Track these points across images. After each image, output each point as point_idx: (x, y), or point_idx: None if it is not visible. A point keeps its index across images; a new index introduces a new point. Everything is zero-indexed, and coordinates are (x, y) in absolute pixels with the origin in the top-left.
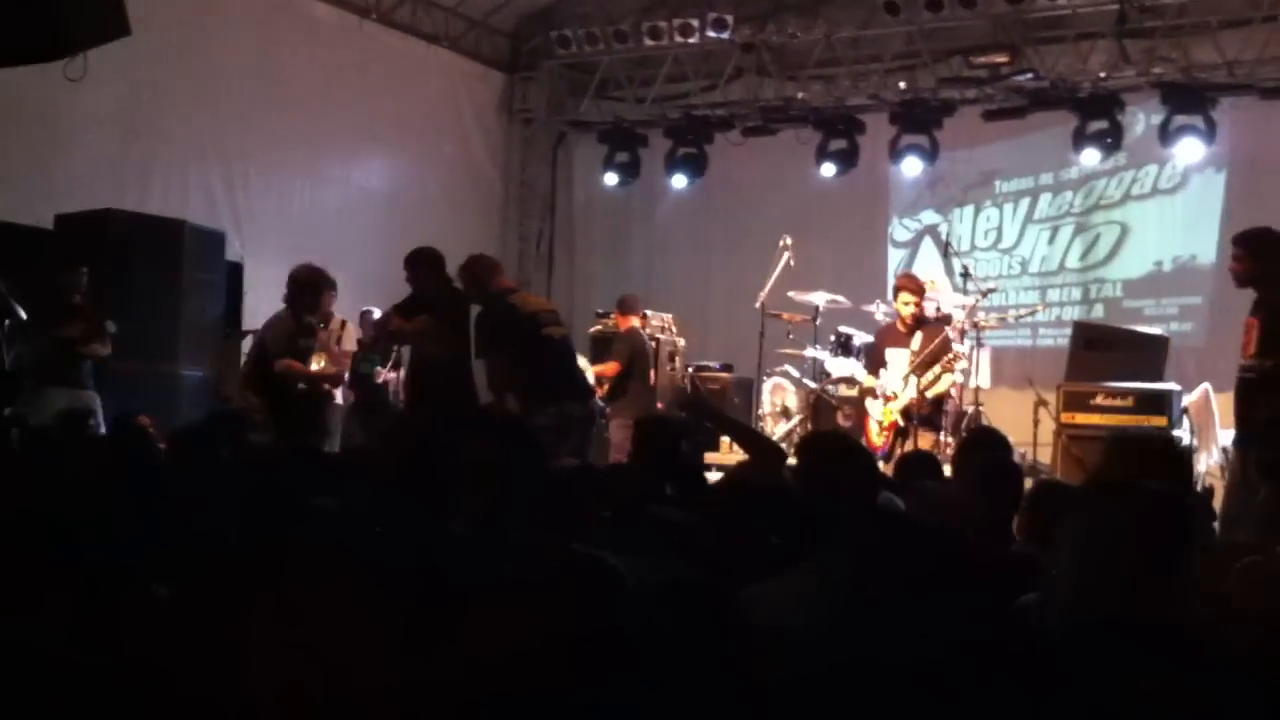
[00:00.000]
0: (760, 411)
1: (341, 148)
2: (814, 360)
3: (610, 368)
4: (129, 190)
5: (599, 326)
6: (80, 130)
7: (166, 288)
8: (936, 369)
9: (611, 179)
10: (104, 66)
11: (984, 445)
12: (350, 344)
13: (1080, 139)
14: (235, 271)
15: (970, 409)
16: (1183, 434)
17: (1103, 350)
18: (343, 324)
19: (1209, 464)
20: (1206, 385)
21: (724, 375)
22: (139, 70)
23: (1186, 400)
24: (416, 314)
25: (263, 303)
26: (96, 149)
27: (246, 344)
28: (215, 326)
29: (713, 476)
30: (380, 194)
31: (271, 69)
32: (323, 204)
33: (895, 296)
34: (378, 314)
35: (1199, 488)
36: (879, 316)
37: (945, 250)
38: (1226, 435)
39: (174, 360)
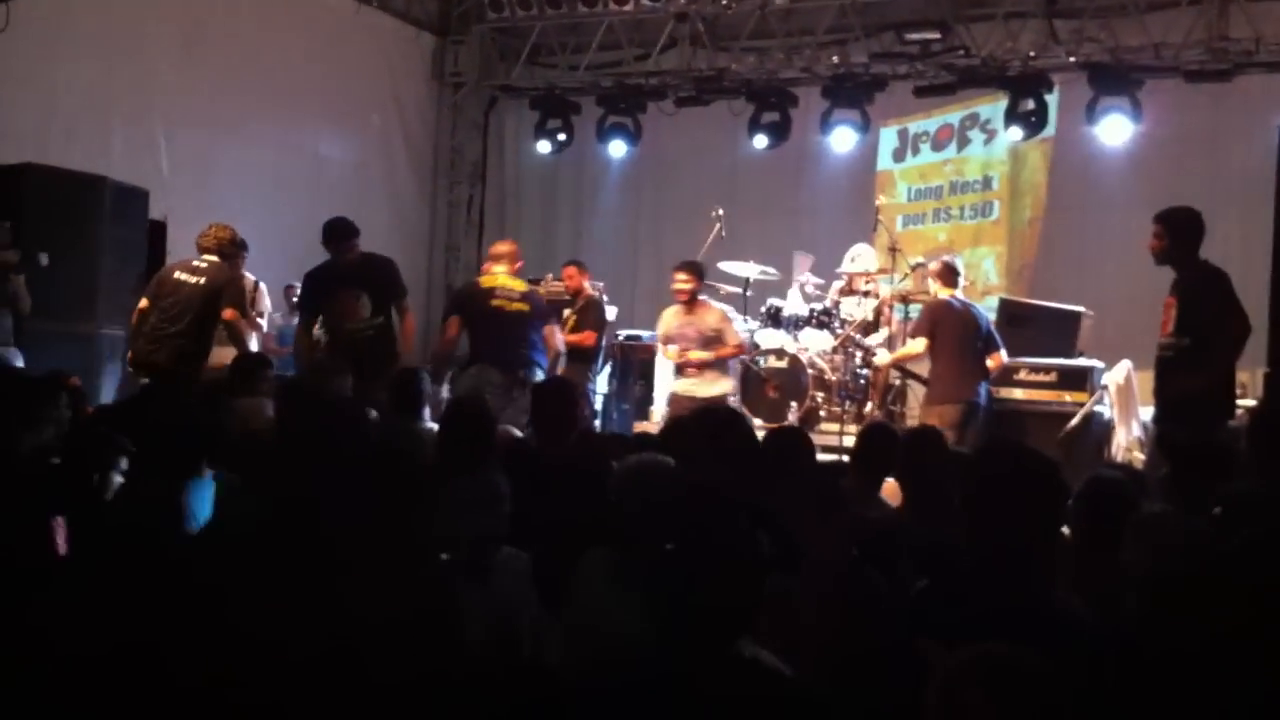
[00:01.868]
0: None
1: (268, 108)
2: (744, 332)
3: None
4: (52, 146)
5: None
6: (1, 83)
7: (86, 245)
8: None
9: (543, 146)
10: (27, 20)
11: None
12: (264, 305)
13: (1010, 115)
14: (159, 230)
15: (897, 381)
16: (1104, 410)
17: (1024, 326)
18: (255, 285)
19: (1128, 439)
20: (1128, 362)
21: (652, 345)
22: (63, 24)
23: (1107, 377)
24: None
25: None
26: (18, 103)
27: None
28: (136, 285)
29: None
30: (308, 156)
31: (197, 27)
32: (249, 164)
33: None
34: None
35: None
36: (809, 289)
37: (875, 224)
38: (1147, 412)
39: (92, 319)
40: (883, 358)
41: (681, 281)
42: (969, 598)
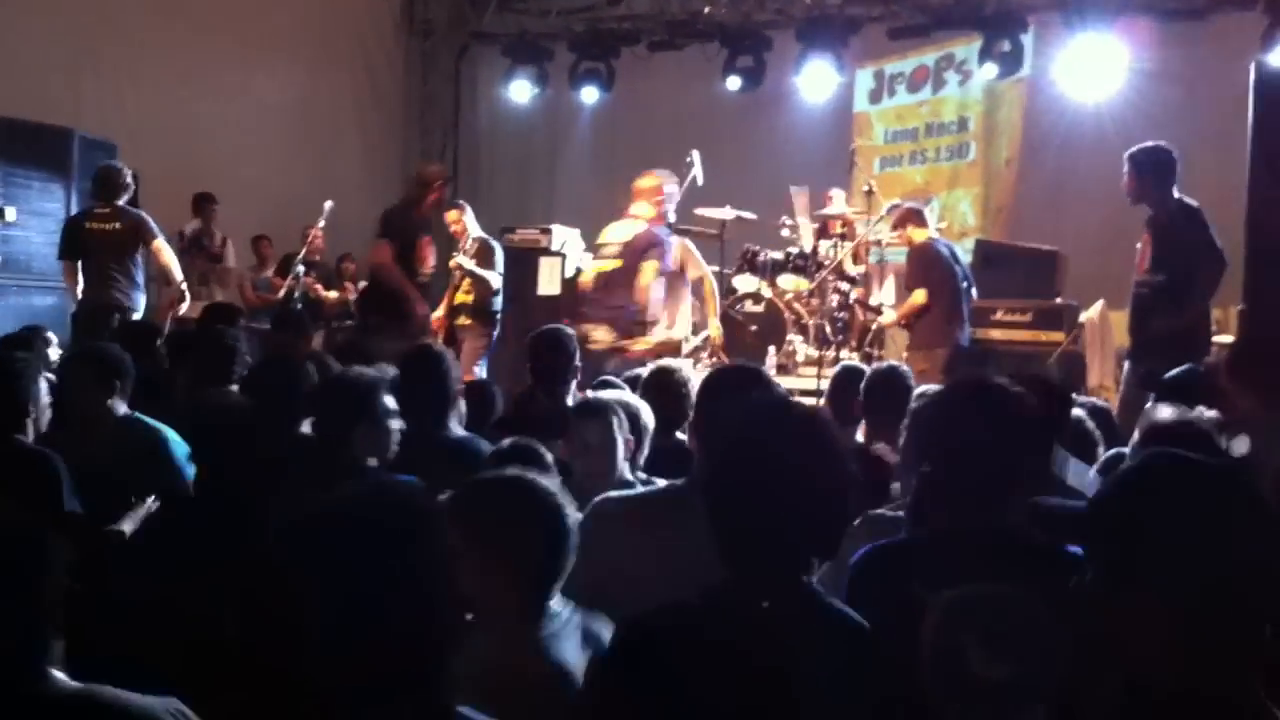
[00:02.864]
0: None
1: (236, 58)
2: (720, 276)
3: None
4: (19, 98)
5: (504, 242)
6: None
7: (54, 198)
8: None
9: (516, 93)
10: None
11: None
12: (231, 260)
13: (984, 56)
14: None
15: (875, 326)
16: (1079, 348)
17: (1001, 267)
18: (224, 240)
19: (1101, 378)
20: (1102, 301)
21: None
22: None
23: (1083, 316)
24: None
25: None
26: None
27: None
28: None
29: None
30: (276, 107)
31: None
32: (217, 115)
33: None
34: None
35: (1093, 402)
36: (784, 233)
37: (850, 165)
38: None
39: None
40: (889, 317)
41: None
42: (949, 536)
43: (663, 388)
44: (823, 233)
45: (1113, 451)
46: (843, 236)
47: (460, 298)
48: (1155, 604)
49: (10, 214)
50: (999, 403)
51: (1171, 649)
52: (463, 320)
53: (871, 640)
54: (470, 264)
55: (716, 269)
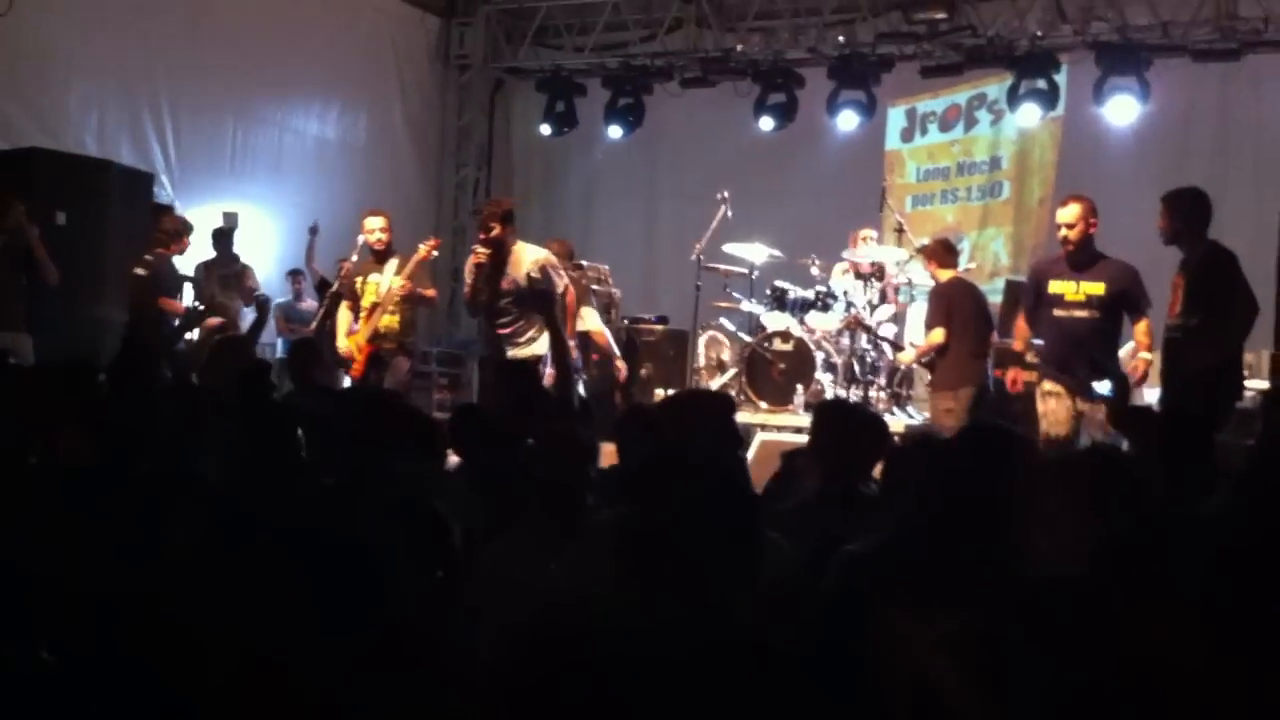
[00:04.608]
0: (696, 365)
1: (274, 90)
2: (750, 314)
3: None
4: (59, 130)
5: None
6: (6, 68)
7: (92, 229)
8: None
9: (549, 128)
10: (31, 2)
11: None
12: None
13: (1017, 97)
14: (166, 214)
15: (903, 365)
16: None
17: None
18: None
19: None
20: (1133, 343)
21: (659, 327)
22: (66, 8)
23: None
24: None
25: (195, 246)
26: (25, 88)
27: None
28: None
29: None
30: (313, 138)
31: (202, 10)
32: (254, 147)
33: None
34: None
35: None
36: (814, 271)
37: (881, 204)
38: (1153, 394)
39: (99, 303)
40: (908, 355)
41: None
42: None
43: None
44: (855, 272)
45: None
46: (874, 276)
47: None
48: None
49: (61, 217)
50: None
51: None
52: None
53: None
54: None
55: (748, 306)
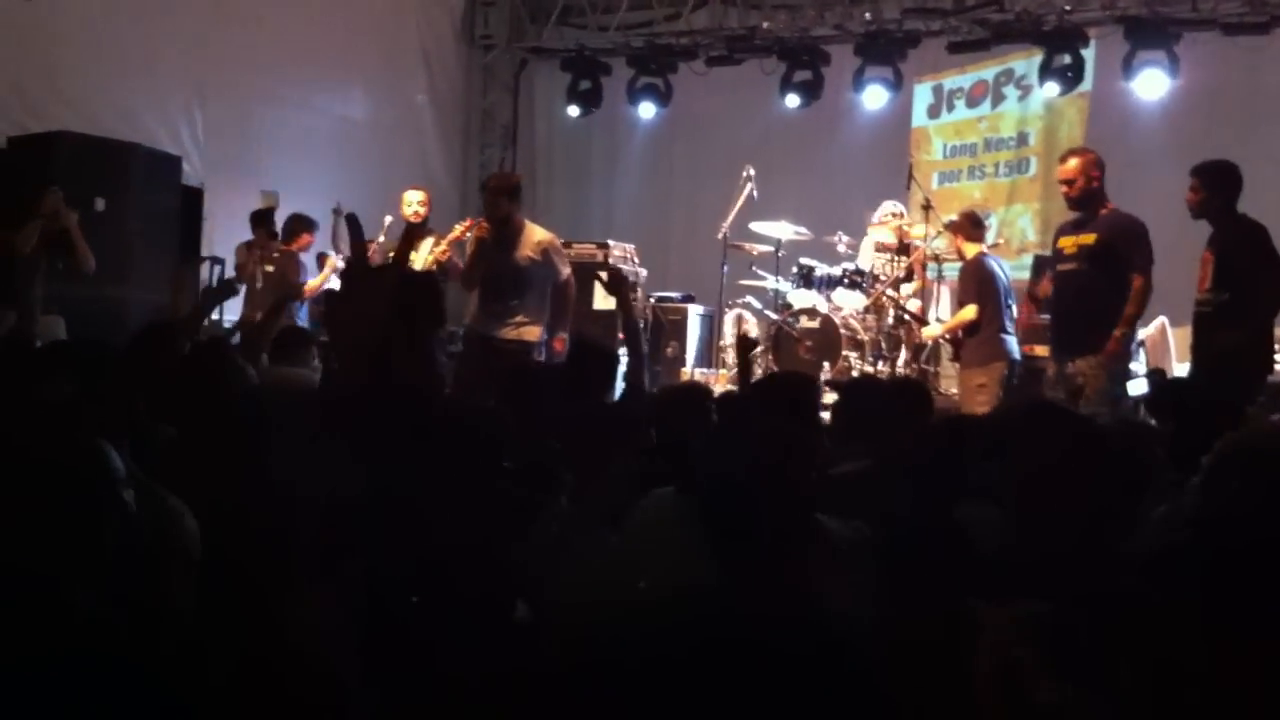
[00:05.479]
0: (722, 343)
1: (300, 72)
2: (776, 292)
3: None
4: (85, 112)
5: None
6: (34, 51)
7: (118, 212)
8: None
9: (574, 108)
10: None
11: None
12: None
13: (1045, 72)
14: (194, 197)
15: (929, 342)
16: (1139, 367)
17: None
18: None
19: None
20: (1163, 318)
21: (684, 306)
22: None
23: (1143, 333)
24: None
25: (223, 229)
26: (50, 70)
27: (205, 270)
28: (170, 252)
29: None
30: (338, 119)
31: None
32: (282, 129)
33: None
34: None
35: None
36: (840, 248)
37: (908, 181)
38: (1183, 369)
39: (125, 285)
40: (933, 329)
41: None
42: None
43: None
44: (881, 247)
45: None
46: (900, 251)
47: None
48: None
49: (100, 203)
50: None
51: None
52: None
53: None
54: None
55: (774, 284)
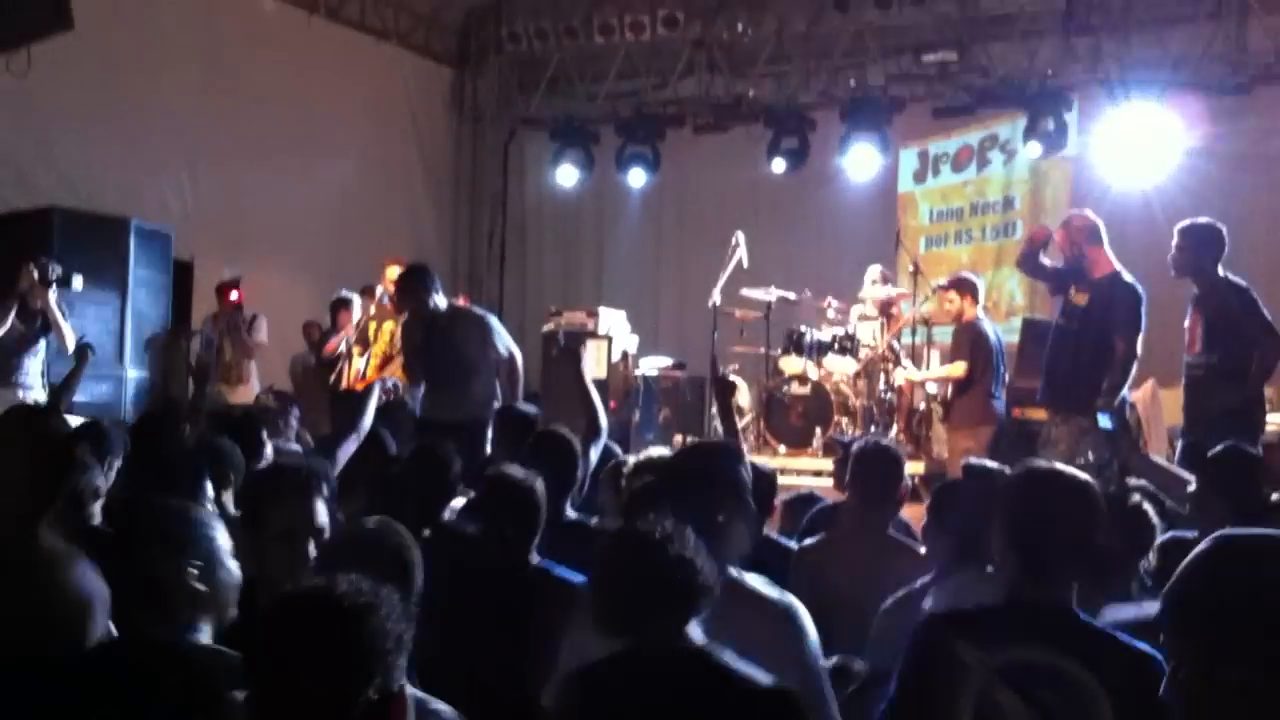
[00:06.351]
0: (713, 409)
1: (291, 144)
2: (767, 358)
3: None
4: (79, 188)
5: (550, 325)
6: (26, 126)
7: (111, 287)
8: None
9: (563, 176)
10: (49, 62)
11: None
12: (264, 335)
13: (1029, 134)
14: (185, 270)
15: (922, 405)
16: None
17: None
18: (254, 317)
19: (1157, 459)
20: (1152, 380)
21: (676, 373)
22: (86, 66)
23: (1133, 395)
24: None
25: (213, 302)
26: (44, 146)
27: (196, 344)
28: (161, 327)
29: None
30: (331, 191)
31: (219, 65)
32: (274, 200)
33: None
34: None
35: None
36: (830, 313)
37: (895, 245)
38: (1174, 430)
39: (119, 361)
40: (913, 373)
41: None
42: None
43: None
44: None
45: (1170, 535)
46: (890, 317)
47: None
48: (1258, 678)
49: (78, 282)
50: (1074, 486)
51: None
52: None
53: None
54: None
55: (763, 350)
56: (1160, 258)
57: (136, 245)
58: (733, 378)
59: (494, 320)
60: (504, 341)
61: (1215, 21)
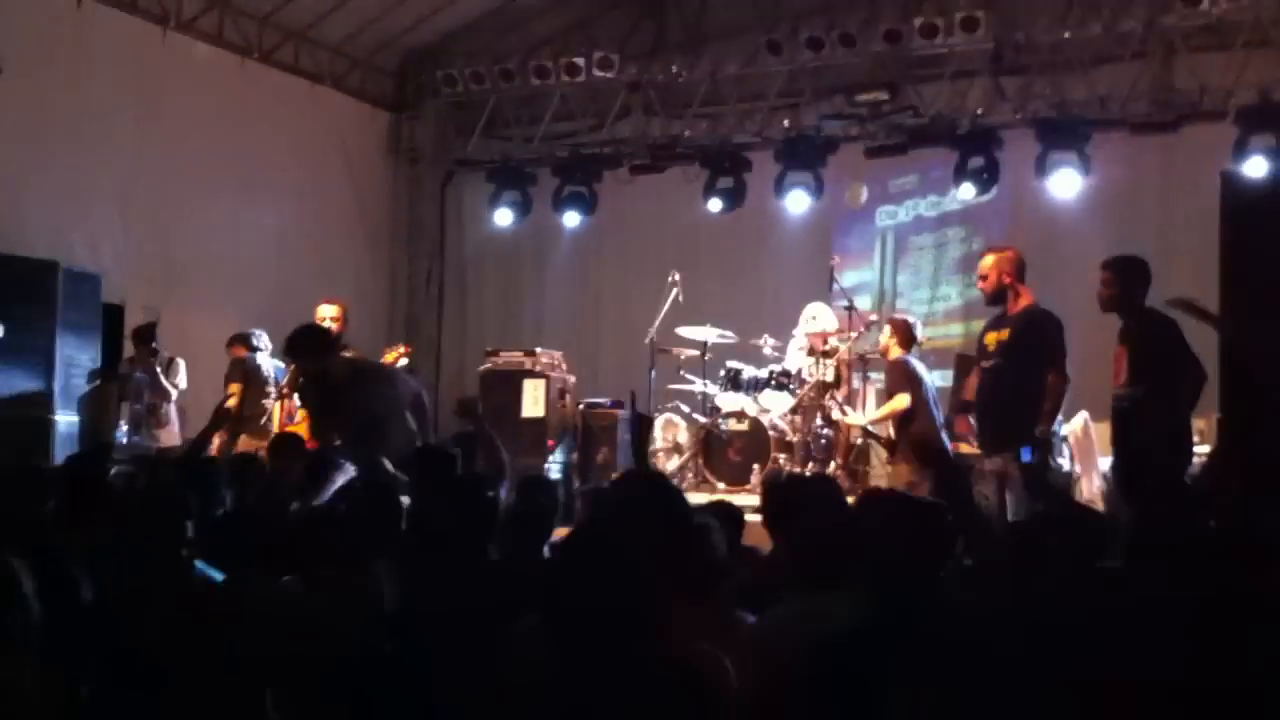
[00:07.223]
0: (653, 448)
1: (226, 188)
2: (704, 395)
3: None
4: (10, 232)
5: (489, 365)
6: None
7: (39, 331)
8: None
9: (500, 218)
10: None
11: None
12: (182, 379)
13: (960, 174)
14: (117, 314)
15: (859, 441)
16: (1064, 462)
17: None
18: (170, 359)
19: (1091, 491)
20: (1084, 414)
21: (615, 411)
22: (14, 109)
23: (1065, 429)
24: None
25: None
26: None
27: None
28: (91, 372)
29: None
30: (267, 234)
31: (151, 109)
32: (208, 245)
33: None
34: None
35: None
36: (766, 351)
37: (830, 283)
38: (1106, 462)
39: (47, 406)
40: (857, 418)
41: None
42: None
43: None
44: (808, 350)
45: None
46: (825, 354)
47: None
48: None
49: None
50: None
51: None
52: None
53: None
54: None
55: (702, 387)
56: (1090, 293)
57: (65, 289)
58: (670, 416)
59: (390, 369)
60: (408, 386)
61: (1141, 61)
